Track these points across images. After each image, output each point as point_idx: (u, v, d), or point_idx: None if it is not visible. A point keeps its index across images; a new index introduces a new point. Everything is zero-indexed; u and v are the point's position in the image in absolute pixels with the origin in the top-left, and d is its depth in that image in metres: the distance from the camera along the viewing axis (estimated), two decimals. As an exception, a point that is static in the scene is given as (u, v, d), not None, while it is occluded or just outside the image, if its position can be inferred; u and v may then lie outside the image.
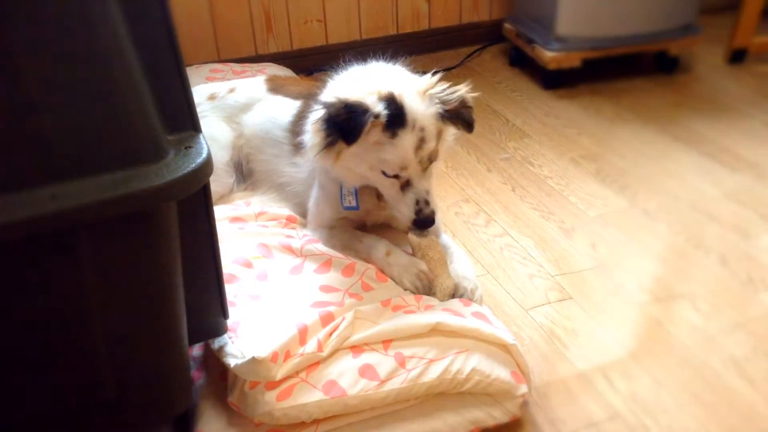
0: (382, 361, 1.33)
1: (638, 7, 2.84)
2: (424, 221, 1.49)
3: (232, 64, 2.66)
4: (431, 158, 1.47)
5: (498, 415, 1.38)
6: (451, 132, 1.54)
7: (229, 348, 1.29)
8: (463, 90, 1.50)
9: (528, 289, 1.82)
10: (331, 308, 1.40)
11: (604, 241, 2.00)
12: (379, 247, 1.59)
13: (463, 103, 1.49)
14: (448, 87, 1.49)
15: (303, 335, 1.32)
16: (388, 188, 1.51)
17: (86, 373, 1.10)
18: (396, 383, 1.31)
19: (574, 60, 2.86)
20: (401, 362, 1.33)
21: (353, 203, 1.64)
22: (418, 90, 1.46)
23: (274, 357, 1.25)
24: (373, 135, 1.42)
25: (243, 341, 1.30)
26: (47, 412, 1.13)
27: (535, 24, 2.99)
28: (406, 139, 1.42)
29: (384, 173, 1.47)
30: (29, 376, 1.06)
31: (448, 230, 2.06)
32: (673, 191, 2.22)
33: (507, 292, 1.81)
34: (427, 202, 1.47)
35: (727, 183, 2.25)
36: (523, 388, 1.38)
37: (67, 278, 0.97)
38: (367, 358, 1.34)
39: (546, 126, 2.67)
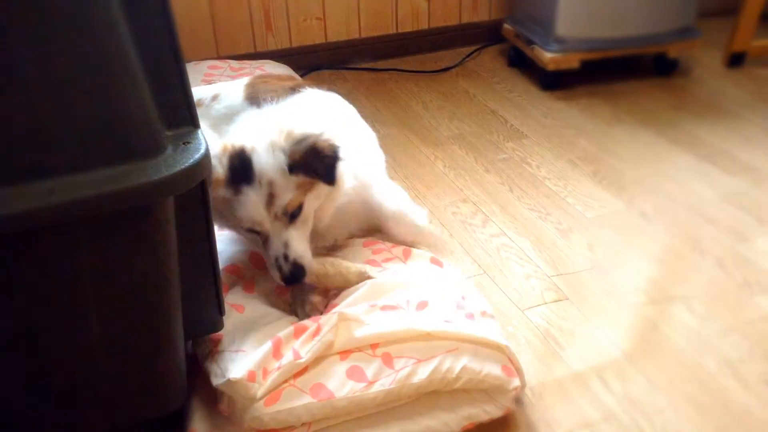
0: (369, 363, 1.33)
1: (637, 10, 2.84)
2: (289, 278, 1.38)
3: (230, 61, 2.66)
4: (288, 211, 1.37)
5: (491, 410, 1.38)
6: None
7: (210, 366, 1.30)
8: (315, 137, 1.38)
9: (524, 289, 1.83)
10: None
11: (601, 242, 2.01)
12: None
13: (314, 153, 1.36)
14: (306, 136, 1.37)
15: (277, 349, 1.30)
16: (257, 246, 1.43)
17: (81, 369, 1.10)
18: (385, 384, 1.30)
19: (572, 61, 2.87)
20: (389, 363, 1.33)
21: None
22: (273, 140, 1.37)
23: (251, 376, 1.24)
24: (219, 191, 1.35)
25: (223, 358, 1.30)
26: (40, 409, 1.12)
27: (535, 25, 3.00)
28: (252, 196, 1.34)
29: (245, 229, 1.40)
30: (22, 374, 1.06)
31: (445, 230, 2.06)
32: (670, 194, 2.23)
33: (503, 292, 1.81)
34: (286, 257, 1.37)
35: (724, 186, 2.26)
36: (515, 382, 1.38)
37: (63, 273, 0.97)
38: (355, 360, 1.33)
39: (544, 127, 2.67)
